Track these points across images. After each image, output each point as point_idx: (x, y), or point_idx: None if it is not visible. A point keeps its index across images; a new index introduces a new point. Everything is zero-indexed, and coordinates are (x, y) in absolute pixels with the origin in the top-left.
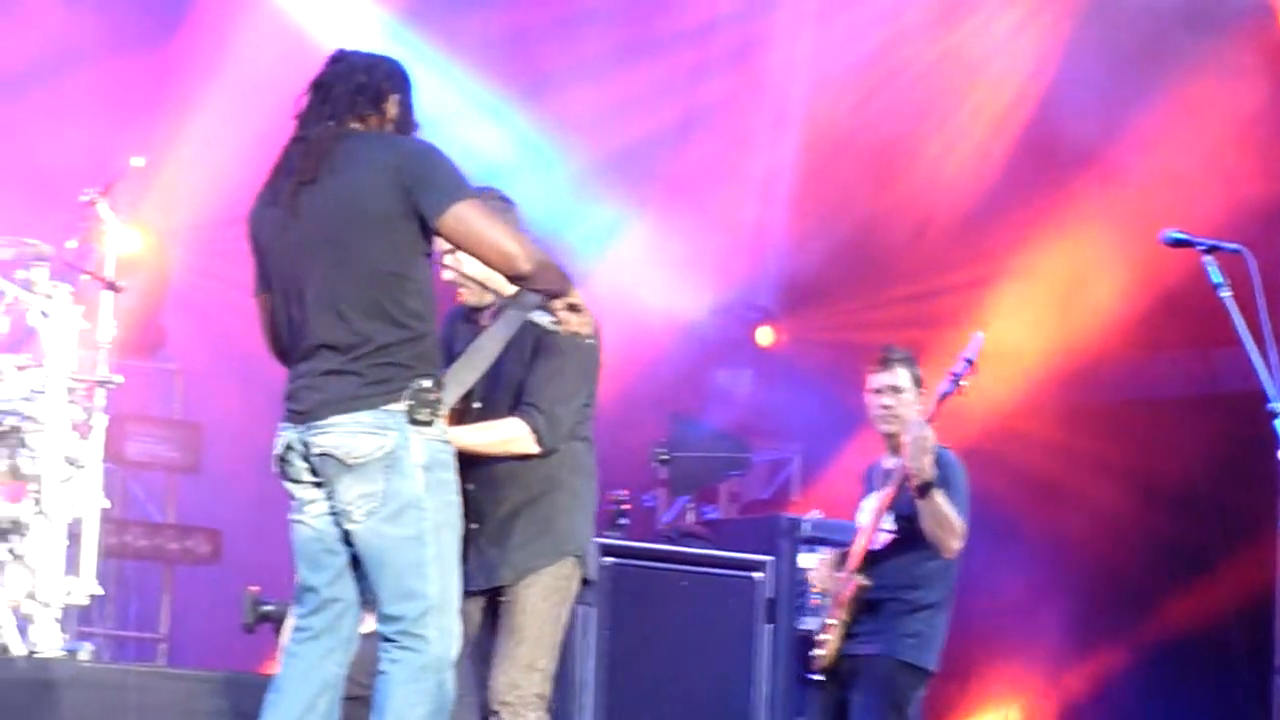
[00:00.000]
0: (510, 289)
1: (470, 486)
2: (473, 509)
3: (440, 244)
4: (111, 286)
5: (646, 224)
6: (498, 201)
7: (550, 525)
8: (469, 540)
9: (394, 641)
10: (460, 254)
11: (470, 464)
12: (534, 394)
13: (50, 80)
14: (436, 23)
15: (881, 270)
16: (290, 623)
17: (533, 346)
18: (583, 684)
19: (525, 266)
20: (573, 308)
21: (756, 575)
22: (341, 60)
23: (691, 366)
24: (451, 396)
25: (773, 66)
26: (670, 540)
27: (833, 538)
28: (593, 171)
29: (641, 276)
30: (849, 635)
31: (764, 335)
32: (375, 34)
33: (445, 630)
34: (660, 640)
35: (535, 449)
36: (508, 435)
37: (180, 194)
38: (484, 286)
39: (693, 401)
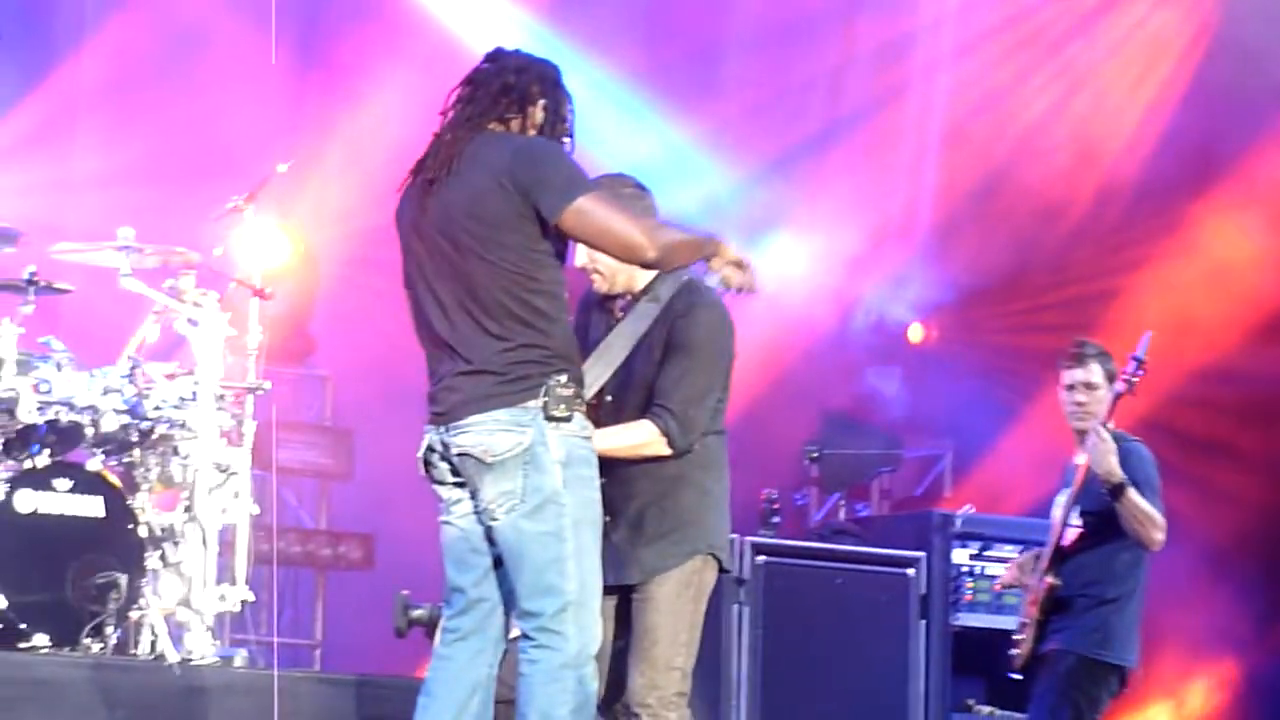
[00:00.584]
0: (643, 276)
1: (603, 481)
2: (606, 504)
3: None
4: (259, 293)
5: (796, 221)
6: (631, 189)
7: (680, 523)
8: (605, 534)
9: (532, 639)
10: None
11: (602, 461)
12: (665, 395)
13: (198, 86)
14: (585, 28)
15: (1030, 268)
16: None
17: (664, 344)
18: (737, 682)
19: (651, 254)
20: (734, 264)
21: (909, 571)
22: (496, 59)
23: (842, 364)
24: (586, 393)
25: (914, 67)
26: (822, 538)
27: (985, 533)
28: (741, 174)
29: (791, 276)
30: (1042, 635)
31: (915, 332)
32: (523, 40)
33: (584, 627)
34: (813, 637)
35: (668, 451)
36: (641, 439)
37: (329, 201)
38: (616, 275)
39: (844, 399)
